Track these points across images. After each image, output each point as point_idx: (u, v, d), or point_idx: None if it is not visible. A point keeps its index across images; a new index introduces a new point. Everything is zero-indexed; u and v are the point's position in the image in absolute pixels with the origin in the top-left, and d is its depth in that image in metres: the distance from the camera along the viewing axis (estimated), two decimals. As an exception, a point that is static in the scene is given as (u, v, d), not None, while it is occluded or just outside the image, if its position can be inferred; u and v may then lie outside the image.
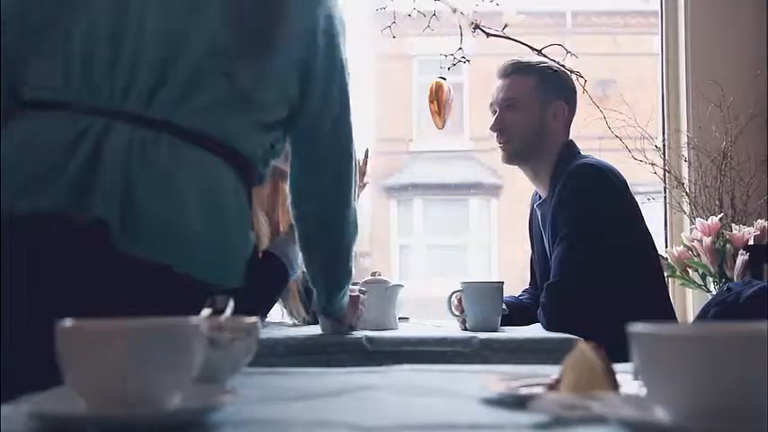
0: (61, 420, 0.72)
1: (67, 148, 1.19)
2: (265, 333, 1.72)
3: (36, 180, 1.19)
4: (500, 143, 2.14)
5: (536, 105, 2.10)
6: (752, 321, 0.65)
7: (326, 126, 1.44)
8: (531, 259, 2.27)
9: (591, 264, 1.91)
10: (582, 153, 2.13)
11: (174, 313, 0.80)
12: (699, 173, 2.73)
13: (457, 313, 1.97)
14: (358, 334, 1.77)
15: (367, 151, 2.04)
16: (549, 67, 2.16)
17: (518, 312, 2.09)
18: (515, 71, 2.14)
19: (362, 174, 1.97)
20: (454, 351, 1.67)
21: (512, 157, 2.14)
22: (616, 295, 1.87)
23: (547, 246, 2.09)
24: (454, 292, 1.95)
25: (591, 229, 1.94)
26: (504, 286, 1.95)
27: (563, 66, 2.25)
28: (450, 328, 1.93)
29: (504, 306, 1.95)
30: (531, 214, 2.25)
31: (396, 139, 10.22)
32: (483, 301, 1.90)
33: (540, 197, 2.17)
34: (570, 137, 2.16)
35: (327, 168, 1.49)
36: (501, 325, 1.92)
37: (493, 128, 2.14)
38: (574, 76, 2.59)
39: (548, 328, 1.90)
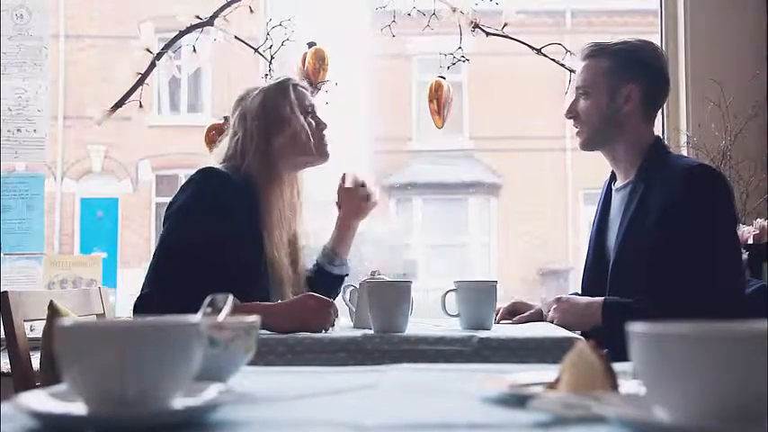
0: (60, 420, 0.72)
1: None
2: (265, 332, 1.72)
3: None
4: (575, 129, 2.12)
5: (605, 91, 2.05)
6: (751, 321, 0.65)
7: None
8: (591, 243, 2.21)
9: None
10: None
11: None
12: (698, 172, 2.73)
13: (452, 312, 1.95)
14: (357, 333, 1.77)
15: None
16: (625, 48, 2.08)
17: None
18: (589, 55, 2.09)
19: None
20: (453, 350, 1.66)
21: (585, 144, 2.11)
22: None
23: (615, 231, 2.05)
24: (448, 292, 1.95)
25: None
26: (497, 286, 1.94)
27: (561, 63, 2.20)
28: (449, 327, 1.93)
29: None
30: (605, 195, 2.19)
31: (395, 138, 10.21)
32: (476, 300, 1.90)
33: (616, 180, 2.14)
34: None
35: None
36: None
37: (566, 115, 2.12)
38: (573, 76, 2.58)
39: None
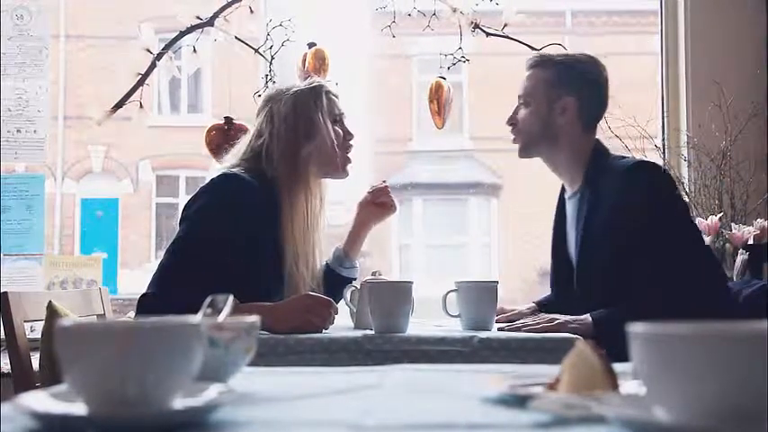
0: (61, 421, 0.72)
1: None
2: (264, 333, 1.71)
3: None
4: (513, 136, 2.15)
5: (543, 101, 2.11)
6: (751, 321, 0.65)
7: None
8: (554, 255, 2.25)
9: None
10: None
11: None
12: (698, 172, 2.74)
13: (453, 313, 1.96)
14: (357, 333, 1.77)
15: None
16: (567, 61, 2.14)
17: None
18: (533, 65, 2.15)
19: None
20: (454, 350, 1.66)
21: (521, 151, 2.16)
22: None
23: (573, 238, 2.09)
24: (449, 292, 1.95)
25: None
26: (498, 286, 1.94)
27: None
28: (449, 327, 1.93)
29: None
30: (560, 206, 2.23)
31: (395, 138, 10.22)
32: (477, 300, 1.90)
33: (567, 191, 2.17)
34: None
35: None
36: None
37: (507, 122, 2.17)
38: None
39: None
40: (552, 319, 1.88)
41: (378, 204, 2.22)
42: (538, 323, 1.86)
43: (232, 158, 2.06)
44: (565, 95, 2.09)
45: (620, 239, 1.92)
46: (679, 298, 1.85)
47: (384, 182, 2.25)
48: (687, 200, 2.09)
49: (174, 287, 1.79)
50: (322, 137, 2.03)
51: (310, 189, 2.02)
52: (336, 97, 2.13)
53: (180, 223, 1.93)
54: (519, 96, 2.16)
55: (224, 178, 1.95)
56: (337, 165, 2.07)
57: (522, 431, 0.72)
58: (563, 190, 2.22)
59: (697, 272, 1.90)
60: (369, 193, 2.23)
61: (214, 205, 1.91)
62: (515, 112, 2.15)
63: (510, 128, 2.15)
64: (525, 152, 2.16)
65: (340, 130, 2.08)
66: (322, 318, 1.81)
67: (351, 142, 2.11)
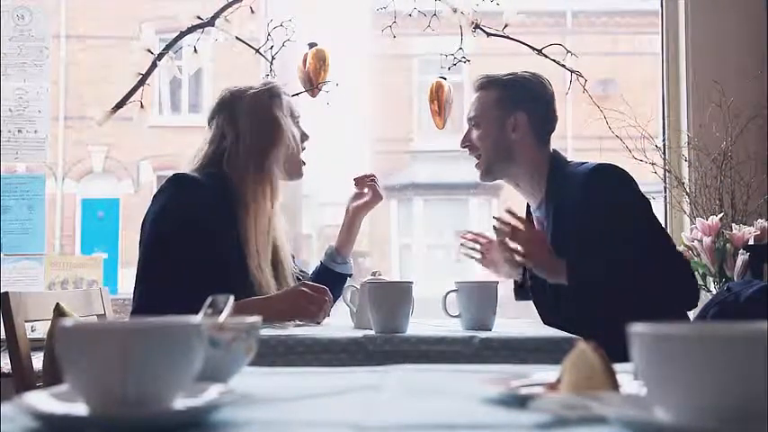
0: (61, 421, 0.72)
1: None
2: (266, 332, 1.72)
3: None
4: (475, 161, 2.18)
5: (495, 120, 2.14)
6: (751, 321, 0.65)
7: None
8: None
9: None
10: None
11: None
12: (699, 172, 2.74)
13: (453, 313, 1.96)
14: (358, 333, 1.77)
15: None
16: (513, 80, 2.16)
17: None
18: (480, 87, 2.18)
19: None
20: (454, 351, 1.66)
21: (484, 175, 2.19)
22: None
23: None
24: (449, 292, 1.95)
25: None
26: (498, 286, 1.94)
27: (562, 64, 2.23)
28: (449, 327, 1.93)
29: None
30: (528, 217, 2.26)
31: (396, 138, 10.23)
32: (478, 300, 1.90)
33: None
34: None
35: None
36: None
37: (461, 144, 2.20)
38: (574, 76, 2.60)
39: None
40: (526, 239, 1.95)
41: (362, 195, 2.22)
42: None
43: (190, 165, 2.05)
44: (514, 112, 2.12)
45: (587, 243, 1.95)
46: (646, 291, 1.92)
47: (372, 174, 2.26)
48: (650, 197, 2.11)
49: (156, 308, 1.78)
50: (286, 137, 2.04)
51: (273, 189, 2.02)
52: (290, 97, 2.15)
53: (140, 236, 1.93)
54: (469, 119, 2.18)
55: (172, 182, 1.94)
56: (298, 165, 2.09)
57: (521, 431, 0.72)
58: (529, 204, 2.25)
59: (662, 268, 1.95)
60: (353, 180, 2.24)
61: (168, 212, 1.90)
62: (468, 135, 2.18)
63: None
64: (488, 175, 2.19)
65: (297, 131, 2.09)
66: (318, 305, 1.81)
67: (304, 145, 2.11)
